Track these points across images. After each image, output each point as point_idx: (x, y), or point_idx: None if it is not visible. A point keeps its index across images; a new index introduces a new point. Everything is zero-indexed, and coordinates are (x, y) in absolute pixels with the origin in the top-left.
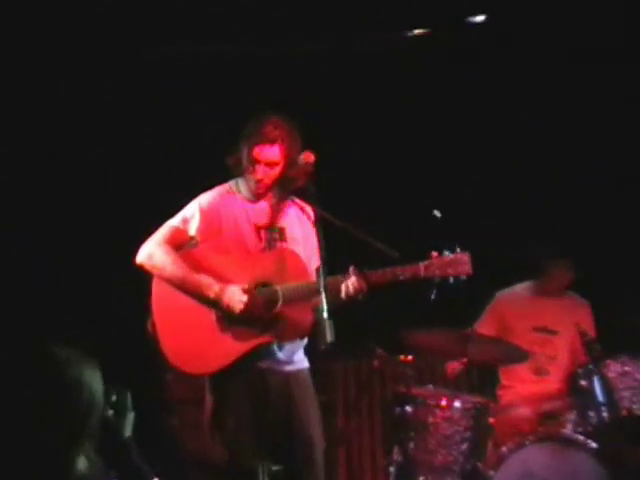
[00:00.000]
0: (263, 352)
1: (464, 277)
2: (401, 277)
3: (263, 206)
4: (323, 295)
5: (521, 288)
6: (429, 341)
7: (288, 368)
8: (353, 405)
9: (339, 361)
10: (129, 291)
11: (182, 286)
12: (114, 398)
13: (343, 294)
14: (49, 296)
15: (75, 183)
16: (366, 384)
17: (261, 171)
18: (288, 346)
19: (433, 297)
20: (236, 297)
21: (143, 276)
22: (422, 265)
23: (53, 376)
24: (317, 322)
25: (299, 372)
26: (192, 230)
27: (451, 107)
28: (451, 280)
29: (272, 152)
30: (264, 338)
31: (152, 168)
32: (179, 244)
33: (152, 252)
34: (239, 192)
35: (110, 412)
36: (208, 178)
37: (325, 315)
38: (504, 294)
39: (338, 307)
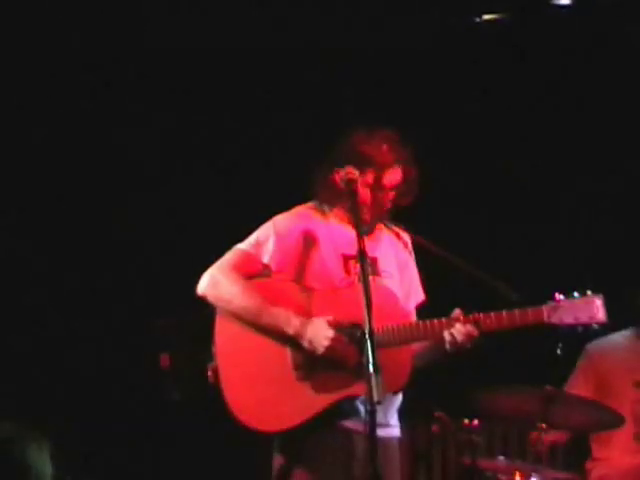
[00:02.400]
0: (346, 408)
1: (596, 326)
2: (519, 322)
3: (352, 232)
4: (369, 342)
5: (618, 336)
6: (501, 402)
7: (378, 433)
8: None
9: None
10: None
11: (254, 320)
12: None
13: (447, 343)
14: None
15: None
16: (423, 454)
17: (390, 198)
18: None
19: (560, 352)
20: (321, 332)
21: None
22: (546, 309)
23: None
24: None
25: (390, 441)
26: (265, 257)
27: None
28: (580, 329)
29: (399, 174)
30: (351, 391)
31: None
32: (249, 273)
33: (218, 280)
34: (324, 215)
35: None
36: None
37: (370, 368)
38: (597, 346)
39: (439, 359)
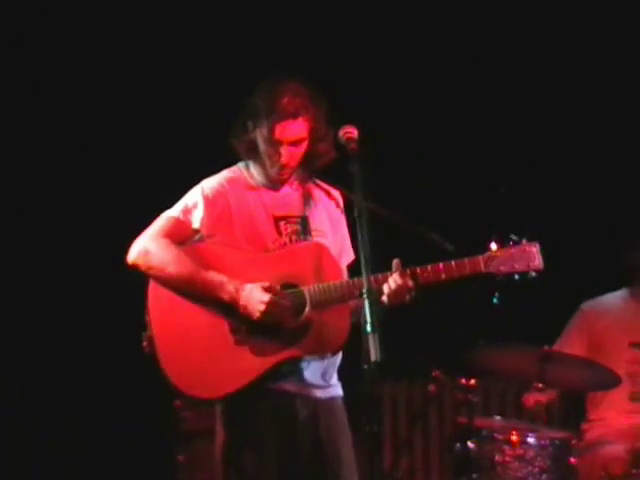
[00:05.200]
0: (287, 371)
1: (533, 274)
2: (457, 274)
3: (281, 193)
4: (367, 302)
5: (613, 297)
6: (498, 361)
7: (318, 394)
8: (404, 439)
9: (387, 385)
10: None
11: (187, 288)
12: None
13: (385, 296)
14: None
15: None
16: (420, 413)
17: (286, 153)
18: (316, 364)
19: (496, 301)
20: (256, 297)
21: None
22: (482, 258)
23: None
24: (361, 336)
25: (332, 400)
26: (195, 222)
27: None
28: (516, 277)
29: (296, 128)
30: (290, 352)
31: (132, 151)
32: (180, 239)
33: (148, 248)
34: (251, 177)
35: None
36: (204, 163)
37: (369, 328)
38: (592, 305)
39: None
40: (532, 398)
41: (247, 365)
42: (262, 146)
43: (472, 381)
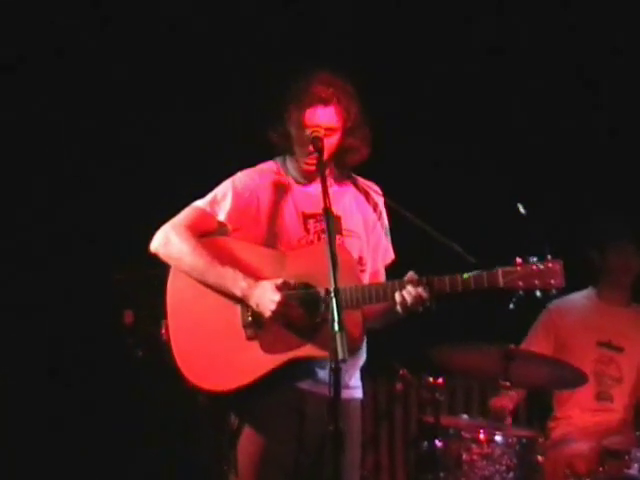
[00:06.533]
0: (304, 368)
1: (554, 291)
2: (474, 286)
3: (314, 190)
4: (333, 302)
5: (579, 296)
6: (464, 360)
7: None
8: (369, 438)
9: None
10: None
11: (202, 280)
12: None
13: (399, 306)
14: None
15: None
16: (386, 412)
17: (319, 137)
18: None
19: (512, 306)
20: (268, 296)
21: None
22: (501, 271)
23: None
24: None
25: (349, 402)
26: (221, 215)
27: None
28: (538, 293)
29: (326, 115)
30: (301, 351)
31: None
32: (204, 231)
33: (169, 238)
34: (286, 172)
35: None
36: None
37: (336, 327)
38: (558, 304)
39: (392, 322)
40: (499, 402)
41: (256, 362)
42: (294, 133)
43: (439, 380)
